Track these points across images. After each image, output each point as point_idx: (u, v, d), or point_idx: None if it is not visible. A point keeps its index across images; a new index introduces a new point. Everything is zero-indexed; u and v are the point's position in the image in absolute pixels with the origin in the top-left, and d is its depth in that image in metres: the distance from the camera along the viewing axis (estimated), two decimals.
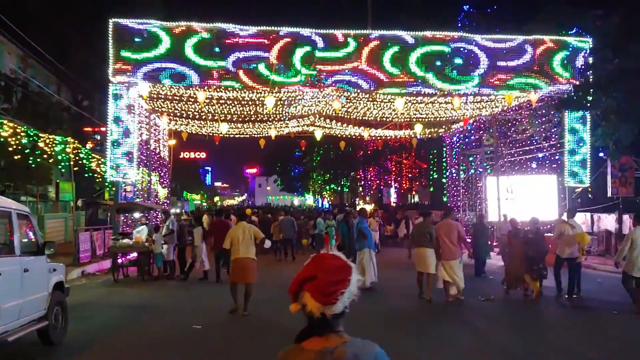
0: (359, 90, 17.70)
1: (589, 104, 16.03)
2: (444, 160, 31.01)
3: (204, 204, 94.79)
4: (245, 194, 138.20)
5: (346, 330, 2.04)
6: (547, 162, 21.09)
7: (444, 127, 25.25)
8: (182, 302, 12.00)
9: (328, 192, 65.70)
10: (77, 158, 20.40)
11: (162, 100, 19.99)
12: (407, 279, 12.86)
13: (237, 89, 17.78)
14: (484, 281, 14.39)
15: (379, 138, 28.43)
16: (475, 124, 24.36)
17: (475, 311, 10.74)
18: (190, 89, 17.89)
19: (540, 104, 18.62)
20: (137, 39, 16.56)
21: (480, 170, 24.63)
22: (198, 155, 79.16)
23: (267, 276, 13.38)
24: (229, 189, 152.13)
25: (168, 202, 28.20)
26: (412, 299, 11.73)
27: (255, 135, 26.41)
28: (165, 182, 25.96)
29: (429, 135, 26.62)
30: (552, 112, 18.74)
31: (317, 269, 2.00)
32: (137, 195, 19.42)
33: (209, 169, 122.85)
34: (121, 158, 16.93)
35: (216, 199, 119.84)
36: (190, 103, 20.25)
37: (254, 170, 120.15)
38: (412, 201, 52.88)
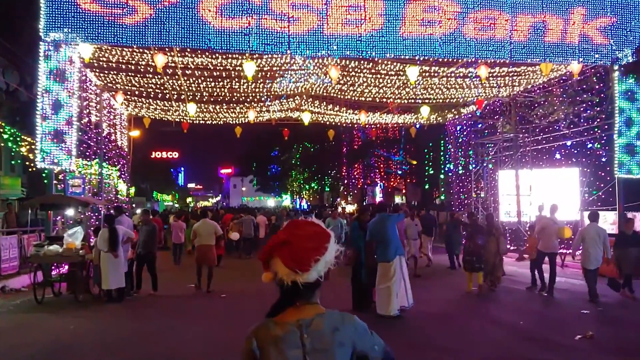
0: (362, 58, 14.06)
1: None
2: (442, 153, 27.59)
3: (176, 205, 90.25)
4: (220, 195, 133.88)
5: None
6: (577, 150, 17.76)
7: (453, 111, 21.61)
8: (118, 342, 8.07)
9: (307, 191, 61.87)
10: None
11: (115, 72, 16.17)
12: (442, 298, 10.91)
13: (206, 54, 14.05)
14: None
15: (373, 127, 24.86)
16: (487, 107, 20.83)
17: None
18: (147, 52, 14.06)
19: (581, 77, 15.16)
20: None
21: (494, 162, 21.17)
22: (170, 154, 76.42)
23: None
24: (203, 189, 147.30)
25: (128, 199, 24.51)
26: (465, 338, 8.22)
27: (231, 122, 22.57)
28: (124, 176, 22.07)
29: (435, 121, 22.87)
30: (595, 88, 15.34)
31: (291, 234, 1.78)
32: (86, 191, 15.56)
33: (182, 169, 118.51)
34: (52, 140, 12.86)
35: (189, 200, 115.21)
36: (150, 76, 16.46)
37: (228, 171, 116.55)
38: (393, 202, 49.10)
